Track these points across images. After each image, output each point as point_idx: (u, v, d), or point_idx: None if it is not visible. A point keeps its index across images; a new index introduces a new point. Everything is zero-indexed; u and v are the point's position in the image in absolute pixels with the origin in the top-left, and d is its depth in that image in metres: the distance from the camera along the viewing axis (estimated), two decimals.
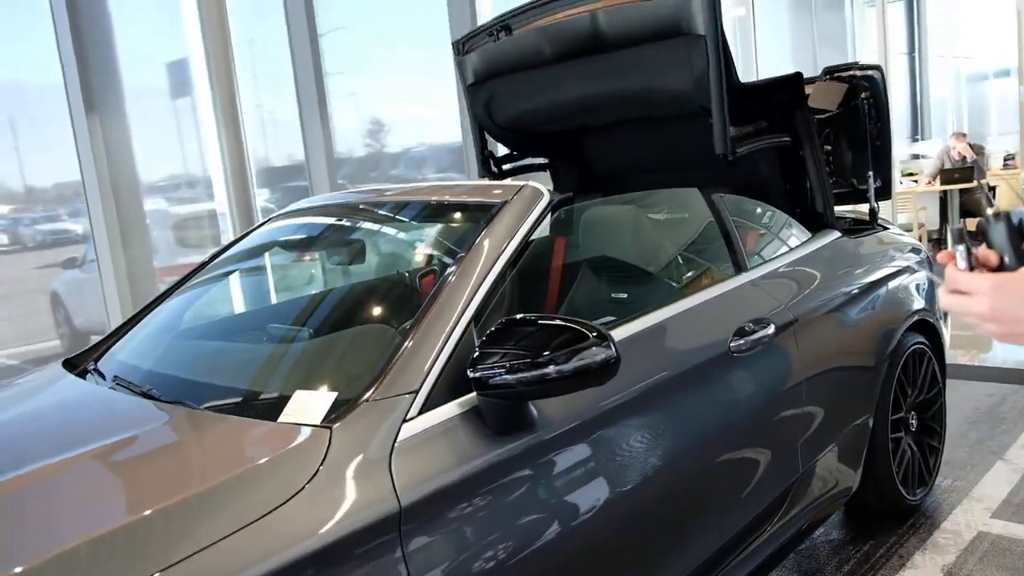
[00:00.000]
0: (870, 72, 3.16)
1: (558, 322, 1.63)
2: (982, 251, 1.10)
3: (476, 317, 1.74)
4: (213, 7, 4.41)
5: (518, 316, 1.63)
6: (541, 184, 2.06)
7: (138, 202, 4.52)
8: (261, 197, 5.57)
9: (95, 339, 2.55)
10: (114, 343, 2.34)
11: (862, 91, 3.18)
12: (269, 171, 5.68)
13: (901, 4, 10.59)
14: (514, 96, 3.18)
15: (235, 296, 2.47)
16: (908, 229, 7.24)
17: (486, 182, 2.32)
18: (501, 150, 3.59)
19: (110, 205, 4.35)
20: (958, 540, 2.85)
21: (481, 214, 2.00)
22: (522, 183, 2.06)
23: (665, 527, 1.98)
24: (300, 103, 5.26)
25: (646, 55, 2.78)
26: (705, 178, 2.74)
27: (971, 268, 1.09)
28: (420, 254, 2.36)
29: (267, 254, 2.55)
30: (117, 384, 1.97)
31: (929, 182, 8.08)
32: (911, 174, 8.72)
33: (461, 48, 3.28)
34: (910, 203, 7.37)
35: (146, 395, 1.83)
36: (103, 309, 4.52)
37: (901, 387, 2.93)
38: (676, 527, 2.02)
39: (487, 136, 3.44)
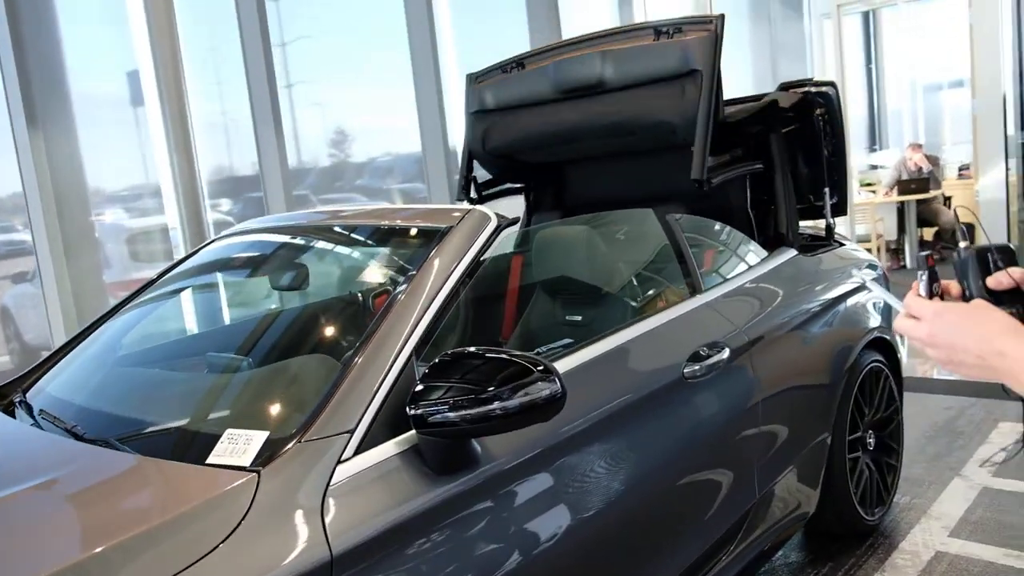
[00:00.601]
0: (824, 88, 3.15)
1: (501, 355, 1.56)
2: (947, 281, 1.14)
3: (418, 349, 1.67)
4: (162, 17, 4.30)
5: (459, 349, 1.56)
6: (488, 208, 1.99)
7: (86, 215, 4.37)
8: (223, 207, 5.44)
9: (46, 355, 2.43)
10: (48, 369, 2.23)
11: (817, 107, 3.17)
12: (232, 180, 5.55)
13: (858, 16, 10.73)
14: (510, 125, 3.29)
15: (174, 321, 2.37)
16: (866, 240, 7.30)
17: (433, 206, 2.26)
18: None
19: (52, 218, 4.19)
20: (916, 560, 2.84)
21: (426, 240, 1.93)
22: (469, 207, 2.00)
23: (618, 559, 1.92)
24: (254, 114, 5.13)
25: (642, 88, 2.91)
26: (674, 208, 2.81)
27: (931, 295, 1.12)
28: (365, 280, 2.28)
29: (208, 277, 2.45)
30: (42, 418, 1.87)
31: (887, 193, 8.15)
32: (869, 184, 8.81)
33: (474, 79, 3.42)
34: (868, 214, 7.44)
35: (71, 431, 1.73)
36: (46, 326, 4.36)
37: (858, 406, 2.91)
38: (629, 559, 1.96)
39: (474, 162, 3.51)
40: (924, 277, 1.11)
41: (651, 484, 1.99)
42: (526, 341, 2.62)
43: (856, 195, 7.95)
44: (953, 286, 1.12)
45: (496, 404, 1.49)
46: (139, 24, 4.37)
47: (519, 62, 3.28)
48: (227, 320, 2.47)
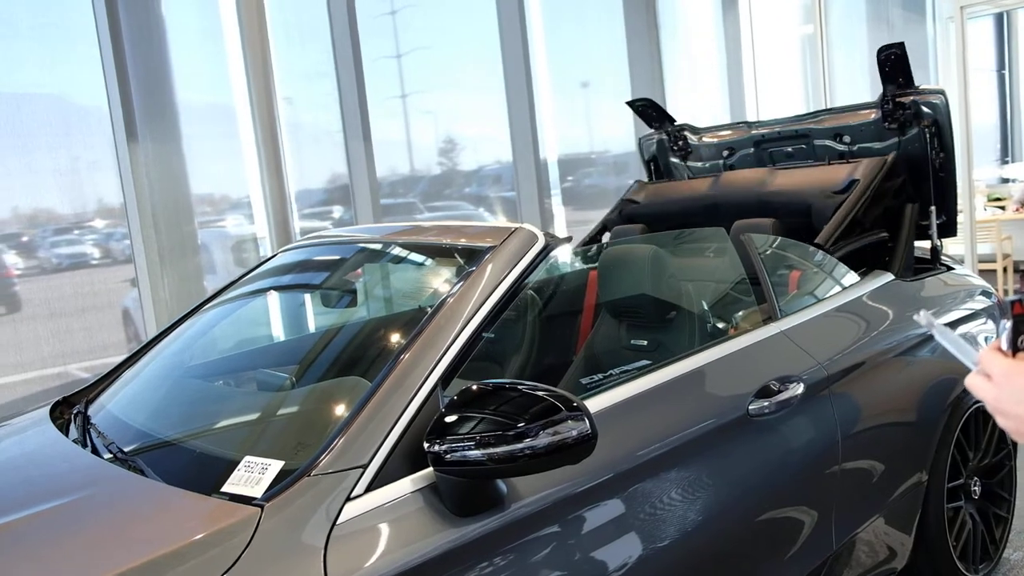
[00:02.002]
0: (932, 98, 2.86)
1: (527, 390, 1.44)
2: None
3: (445, 379, 1.57)
4: (255, 30, 4.39)
5: (476, 384, 1.45)
6: (535, 226, 1.88)
7: (188, 223, 4.52)
8: (334, 215, 5.53)
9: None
10: (114, 380, 2.26)
11: (924, 119, 2.89)
12: (343, 188, 5.65)
13: (990, 19, 9.98)
14: (651, 202, 3.47)
15: (227, 337, 2.36)
16: (990, 260, 6.72)
17: (481, 223, 2.18)
18: None
19: (149, 227, 4.35)
20: None
21: (470, 259, 1.83)
22: (516, 225, 1.89)
23: None
24: (345, 127, 5.21)
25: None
26: (755, 228, 2.78)
27: (1015, 350, 0.93)
28: (409, 299, 2.21)
29: (265, 293, 2.44)
30: (90, 432, 1.88)
31: (1017, 209, 7.52)
32: (998, 199, 8.15)
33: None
34: (994, 232, 6.85)
35: (108, 449, 1.73)
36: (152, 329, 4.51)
37: (961, 450, 2.62)
38: None
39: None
40: (1007, 327, 0.94)
41: (701, 533, 1.81)
42: (589, 364, 2.50)
43: (981, 211, 7.36)
44: None
45: (524, 443, 1.38)
46: (234, 38, 4.49)
47: (691, 177, 3.57)
48: (278, 336, 2.45)
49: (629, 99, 3.76)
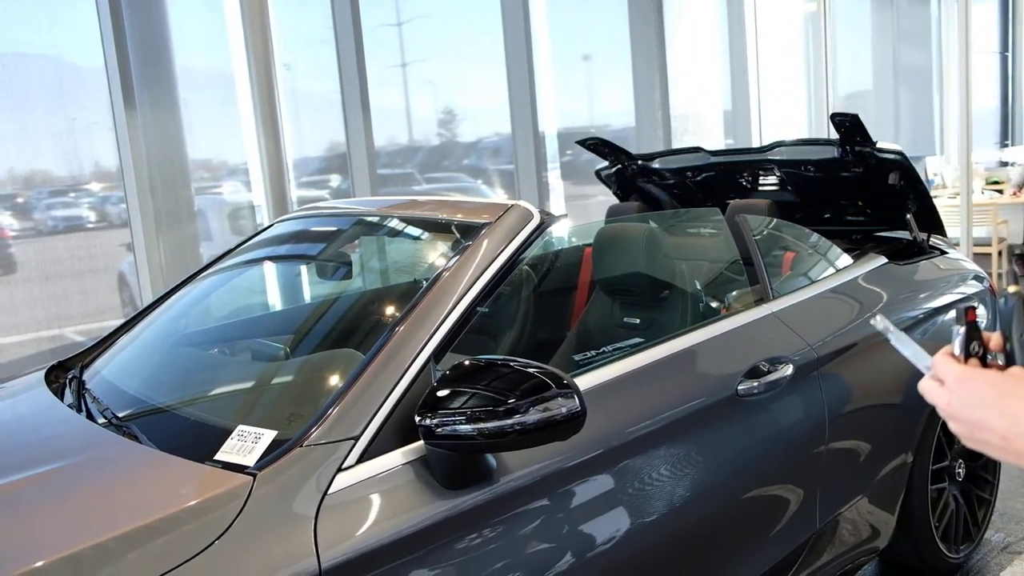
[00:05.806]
0: (891, 155, 2.80)
1: (518, 367, 1.46)
2: (989, 333, 0.94)
3: (438, 353, 1.58)
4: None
5: (468, 360, 1.47)
6: (531, 204, 1.88)
7: (184, 189, 4.50)
8: (332, 183, 5.51)
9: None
10: (111, 344, 2.27)
11: (888, 171, 2.84)
12: (342, 157, 5.62)
13: (995, 0, 9.89)
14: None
15: (222, 306, 2.37)
16: (986, 244, 6.74)
17: (478, 199, 2.18)
18: None
19: (145, 192, 4.33)
20: None
21: (465, 235, 1.84)
22: (512, 202, 1.89)
23: None
24: (343, 97, 5.17)
25: None
26: (750, 209, 2.74)
27: (967, 356, 0.93)
28: (398, 275, 2.22)
29: (261, 263, 2.45)
30: (86, 398, 1.89)
31: (1015, 193, 7.53)
32: (996, 183, 8.15)
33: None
34: (990, 215, 6.85)
35: (103, 414, 1.74)
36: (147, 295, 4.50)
37: (947, 432, 2.65)
38: None
39: None
40: (960, 333, 0.93)
41: (687, 510, 1.84)
42: (582, 341, 2.52)
43: (979, 194, 7.38)
44: (995, 339, 0.92)
45: (513, 419, 1.40)
46: (233, 1, 4.44)
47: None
48: (274, 306, 2.46)
49: (580, 139, 3.50)
